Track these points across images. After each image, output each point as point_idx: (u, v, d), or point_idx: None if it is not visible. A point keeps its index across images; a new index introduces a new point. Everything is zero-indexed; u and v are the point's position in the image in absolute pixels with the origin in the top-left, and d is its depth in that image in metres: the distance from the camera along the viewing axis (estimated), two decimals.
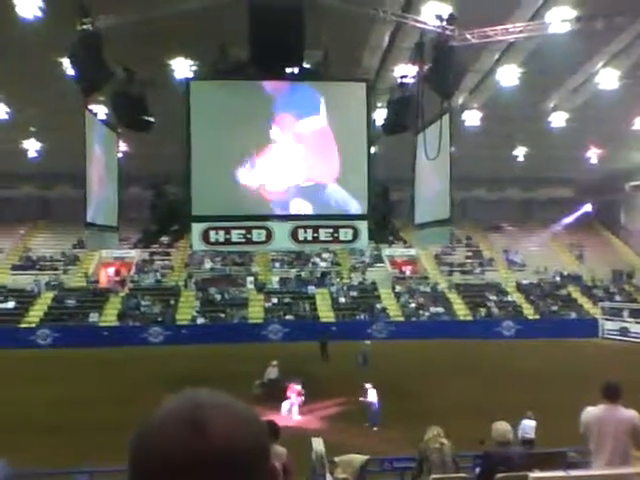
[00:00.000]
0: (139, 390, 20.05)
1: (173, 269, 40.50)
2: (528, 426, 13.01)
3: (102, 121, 17.49)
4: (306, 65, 16.22)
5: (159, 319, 34.90)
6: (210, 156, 15.59)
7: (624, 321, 35.54)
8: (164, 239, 21.08)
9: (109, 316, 35.24)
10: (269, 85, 15.97)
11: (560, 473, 4.24)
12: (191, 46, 22.59)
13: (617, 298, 39.37)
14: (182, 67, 24.30)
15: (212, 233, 15.31)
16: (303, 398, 17.78)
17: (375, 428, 16.11)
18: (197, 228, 15.43)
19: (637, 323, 34.72)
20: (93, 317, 34.79)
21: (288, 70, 15.95)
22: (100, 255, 39.68)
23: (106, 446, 12.98)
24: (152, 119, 17.02)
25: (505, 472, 6.55)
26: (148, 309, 35.82)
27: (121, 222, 17.94)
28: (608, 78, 28.92)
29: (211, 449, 0.87)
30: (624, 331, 34.93)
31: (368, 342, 26.92)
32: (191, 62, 23.96)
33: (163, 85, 21.78)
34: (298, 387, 17.72)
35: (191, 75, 22.54)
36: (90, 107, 15.52)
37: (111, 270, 39.98)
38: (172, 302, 36.71)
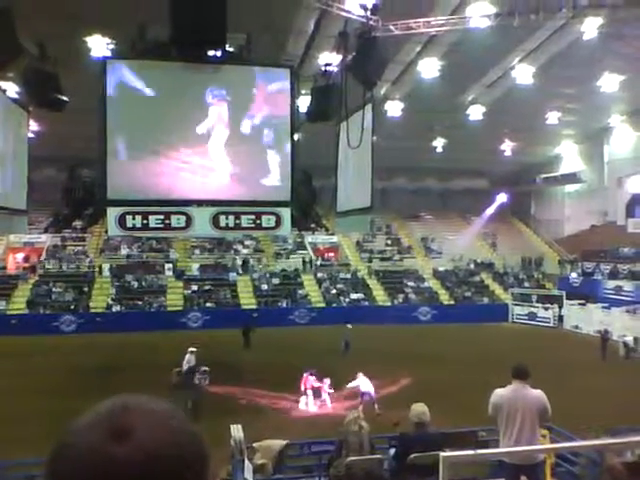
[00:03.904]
0: (48, 381, 19.30)
1: (87, 255, 39.00)
2: (365, 382, 16.57)
3: (11, 99, 16.50)
4: (229, 48, 15.92)
5: (71, 307, 33.59)
6: (127, 138, 15.06)
7: (532, 306, 37.48)
8: (77, 224, 20.19)
9: (18, 304, 33.56)
10: (190, 67, 15.56)
11: (469, 452, 4.41)
12: (109, 23, 21.68)
13: (526, 284, 41.43)
14: (99, 45, 23.28)
15: (129, 218, 14.83)
16: (321, 385, 17.66)
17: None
18: (113, 213, 14.90)
19: (544, 308, 36.70)
20: (0, 305, 33.02)
21: (210, 53, 15.60)
22: (8, 240, 37.63)
23: (7, 439, 12.44)
24: (65, 98, 16.20)
25: (420, 452, 6.76)
26: (60, 296, 34.38)
27: (31, 205, 17.06)
28: (523, 74, 30.16)
29: (129, 458, 0.81)
30: (532, 316, 36.85)
31: (349, 326, 26.84)
32: (108, 40, 23.00)
33: (79, 63, 20.82)
34: (313, 378, 17.58)
35: (108, 54, 21.61)
36: None
37: (20, 256, 38.05)
38: (86, 289, 35.40)
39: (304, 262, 40.60)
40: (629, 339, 26.27)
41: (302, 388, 17.61)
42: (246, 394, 18.65)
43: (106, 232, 18.89)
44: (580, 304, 34.86)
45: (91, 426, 0.85)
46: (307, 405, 17.48)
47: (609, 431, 8.81)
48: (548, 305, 36.79)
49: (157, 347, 24.77)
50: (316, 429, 12.98)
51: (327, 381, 17.69)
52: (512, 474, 6.44)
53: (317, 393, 17.71)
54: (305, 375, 17.63)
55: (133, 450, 0.81)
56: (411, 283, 40.31)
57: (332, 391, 17.68)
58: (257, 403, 17.92)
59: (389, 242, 45.81)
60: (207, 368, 17.74)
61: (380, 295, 38.90)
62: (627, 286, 34.04)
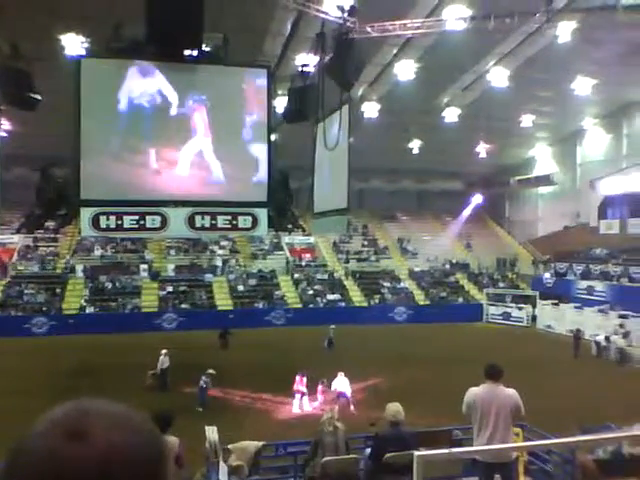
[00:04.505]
0: (19, 383, 18.97)
1: (59, 256, 38.42)
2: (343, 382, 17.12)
3: None
4: (206, 48, 15.82)
5: (44, 308, 33.08)
6: (101, 138, 14.89)
7: (506, 306, 37.92)
8: (50, 224, 19.88)
9: None
10: (167, 67, 15.44)
11: (444, 450, 4.46)
12: (83, 22, 21.42)
13: (500, 284, 41.91)
14: (73, 43, 22.98)
15: (102, 218, 14.65)
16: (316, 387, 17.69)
17: (200, 409, 16.42)
18: (86, 213, 14.70)
19: (518, 308, 37.16)
20: None
21: (187, 52, 15.50)
22: None
23: None
24: (39, 97, 15.96)
25: (395, 452, 6.80)
26: (32, 298, 33.82)
27: (2, 205, 16.77)
28: (498, 77, 30.53)
29: (86, 458, 0.81)
30: (506, 315, 37.29)
31: (333, 326, 27.40)
32: (83, 39, 22.71)
33: (52, 61, 20.52)
34: (305, 378, 17.48)
35: (83, 52, 21.32)
36: None
37: None
38: (58, 291, 34.86)
39: (287, 262, 40.64)
40: (601, 338, 26.71)
41: (295, 390, 17.51)
42: (227, 395, 18.54)
43: (79, 233, 18.60)
44: (553, 304, 35.34)
45: (47, 429, 0.85)
46: (300, 407, 17.34)
47: (581, 429, 8.96)
48: (522, 305, 37.26)
49: (131, 349, 24.52)
50: (301, 430, 12.93)
51: (323, 381, 17.65)
52: (486, 472, 6.52)
53: (309, 394, 17.62)
54: (298, 377, 17.55)
55: (90, 450, 0.82)
56: (387, 284, 40.48)
57: (327, 389, 17.57)
58: (238, 404, 17.82)
59: (366, 243, 45.96)
60: (213, 371, 17.59)
61: (357, 296, 39.00)
62: (599, 286, 34.62)
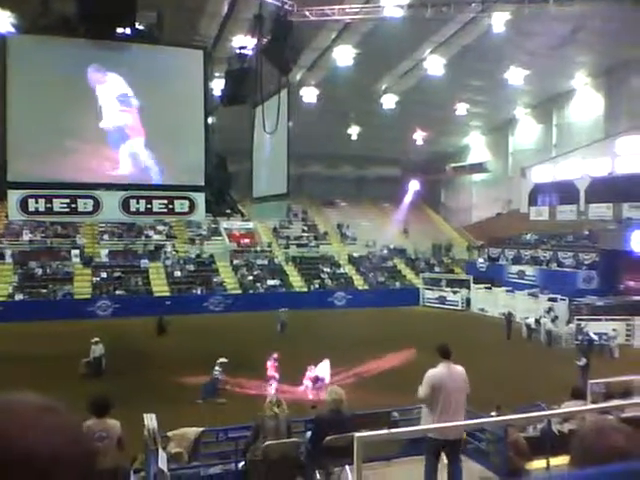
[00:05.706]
0: None
1: None
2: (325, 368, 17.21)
3: None
4: (139, 27, 15.29)
5: None
6: (30, 117, 14.21)
7: (442, 290, 38.91)
8: None
9: None
10: (98, 45, 14.83)
11: (384, 431, 4.52)
12: None
13: (436, 269, 42.91)
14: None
15: (31, 202, 14.02)
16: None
17: (221, 400, 16.17)
18: (13, 196, 14.04)
19: (453, 292, 38.17)
20: None
21: (119, 30, 14.92)
22: None
23: None
24: None
25: (334, 434, 6.85)
26: None
27: None
28: (434, 65, 31.01)
29: (64, 425, 0.85)
30: (442, 299, 38.27)
31: (284, 310, 27.42)
32: (8, 14, 21.54)
33: None
34: (276, 364, 17.09)
35: (10, 29, 20.21)
36: None
37: None
38: None
39: (226, 247, 40.31)
40: (530, 321, 27.75)
41: (268, 374, 17.22)
42: (172, 381, 18.02)
43: (6, 216, 17.80)
44: (486, 288, 36.50)
45: (18, 410, 0.85)
46: (276, 391, 17.04)
47: (513, 408, 9.28)
48: (457, 289, 38.29)
49: (64, 337, 23.72)
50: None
51: (312, 366, 17.43)
52: (436, 450, 6.67)
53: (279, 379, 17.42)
54: (270, 362, 17.32)
55: (65, 418, 0.86)
56: (327, 269, 40.75)
57: (313, 374, 17.29)
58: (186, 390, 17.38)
59: (305, 228, 46.03)
60: (225, 359, 17.02)
61: (297, 281, 39.07)
62: (529, 271, 35.96)
